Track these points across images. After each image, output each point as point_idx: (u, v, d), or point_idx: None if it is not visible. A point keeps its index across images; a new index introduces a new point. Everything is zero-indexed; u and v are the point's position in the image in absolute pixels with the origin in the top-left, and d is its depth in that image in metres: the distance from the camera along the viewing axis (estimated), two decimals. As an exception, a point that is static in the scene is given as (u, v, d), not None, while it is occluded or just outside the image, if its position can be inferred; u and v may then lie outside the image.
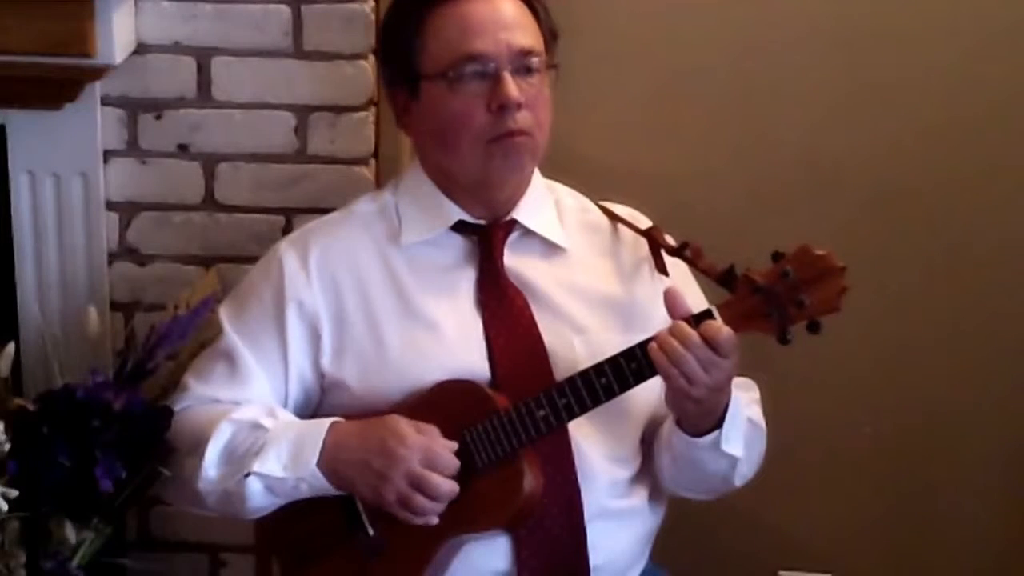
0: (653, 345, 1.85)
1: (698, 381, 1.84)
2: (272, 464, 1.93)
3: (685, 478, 2.04)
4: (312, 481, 1.93)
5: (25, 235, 2.41)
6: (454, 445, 1.92)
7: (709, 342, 1.83)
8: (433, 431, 1.92)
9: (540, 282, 2.04)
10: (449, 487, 1.90)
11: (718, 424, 1.93)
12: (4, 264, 2.42)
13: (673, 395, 1.90)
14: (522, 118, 1.95)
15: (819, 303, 1.81)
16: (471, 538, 1.96)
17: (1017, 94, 2.51)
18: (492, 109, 1.95)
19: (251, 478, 1.94)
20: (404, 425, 1.92)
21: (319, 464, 1.92)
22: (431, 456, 1.90)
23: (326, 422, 1.96)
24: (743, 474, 2.04)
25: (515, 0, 1.99)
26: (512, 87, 1.94)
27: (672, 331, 1.85)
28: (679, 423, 1.96)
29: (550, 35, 2.03)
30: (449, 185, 2.04)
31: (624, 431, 2.03)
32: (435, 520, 1.91)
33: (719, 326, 1.84)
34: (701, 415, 1.92)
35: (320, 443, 1.93)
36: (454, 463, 1.91)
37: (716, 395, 1.90)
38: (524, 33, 1.97)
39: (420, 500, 1.89)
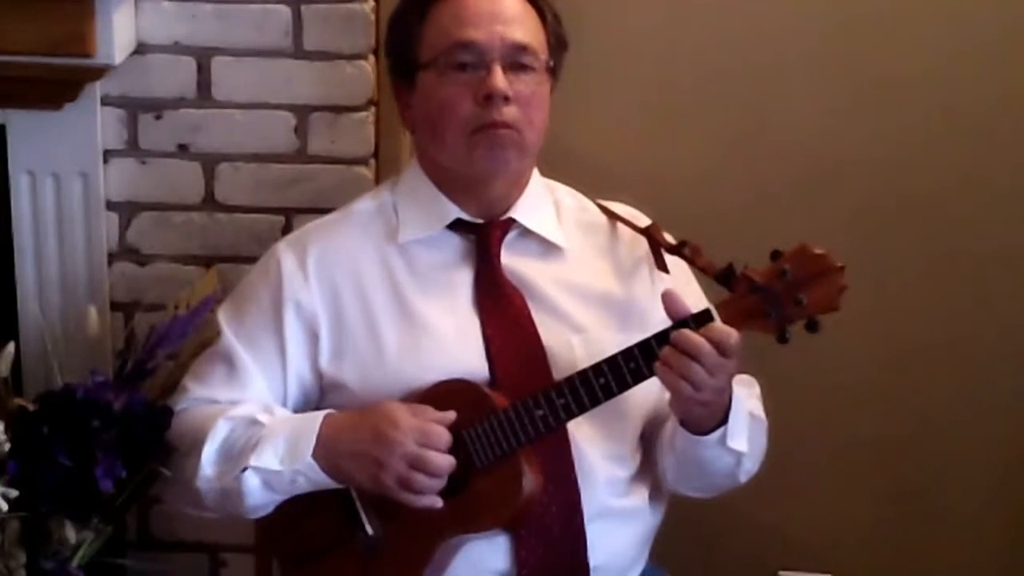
0: (658, 364, 1.85)
1: (703, 386, 1.84)
2: (268, 458, 1.94)
3: (690, 477, 2.04)
4: (309, 474, 1.93)
5: (25, 235, 2.40)
6: (451, 416, 1.92)
7: (718, 345, 1.82)
8: (427, 410, 1.93)
9: (538, 281, 2.04)
10: (448, 461, 1.90)
11: (722, 421, 1.93)
12: (4, 264, 2.42)
13: (678, 401, 1.90)
14: (508, 111, 1.95)
15: (818, 302, 1.82)
16: (471, 538, 1.96)
17: (1018, 95, 2.51)
18: (478, 99, 1.95)
19: (248, 473, 1.94)
20: (395, 408, 1.93)
21: (315, 455, 1.92)
22: (425, 434, 1.90)
23: (320, 414, 1.97)
24: (747, 469, 2.04)
25: (521, 1, 2.00)
26: (499, 79, 1.94)
27: (677, 342, 1.84)
28: (683, 423, 1.96)
29: (556, 42, 2.04)
30: (446, 183, 2.04)
31: (623, 430, 2.03)
32: (439, 502, 1.91)
33: (729, 331, 1.83)
34: (705, 415, 1.92)
35: (315, 434, 1.93)
36: (447, 436, 1.91)
37: (719, 395, 1.90)
38: (522, 30, 1.98)
39: (420, 479, 1.89)
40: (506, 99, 1.94)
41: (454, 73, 1.96)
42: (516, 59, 1.97)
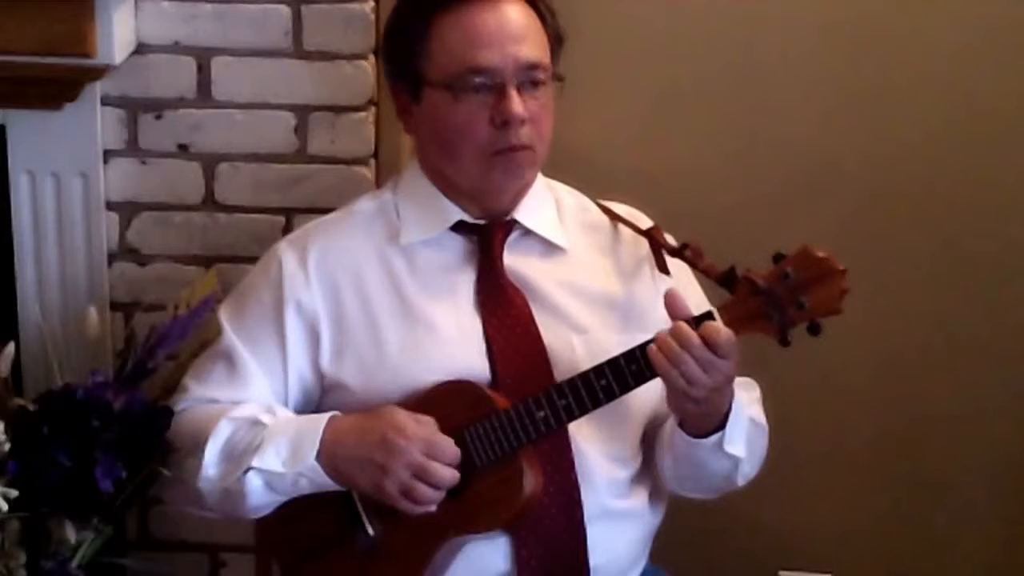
0: (652, 347, 1.85)
1: (698, 382, 1.84)
2: (271, 459, 1.93)
3: (687, 478, 2.04)
4: (312, 476, 1.93)
5: (25, 235, 2.40)
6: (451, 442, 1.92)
7: (708, 343, 1.83)
8: (431, 421, 1.92)
9: (540, 282, 2.04)
10: (450, 474, 1.90)
11: (720, 425, 1.93)
12: (4, 264, 2.42)
13: (673, 396, 1.90)
14: (525, 132, 1.95)
15: (819, 305, 1.82)
16: (471, 538, 1.96)
17: (1018, 95, 2.51)
18: (496, 123, 1.95)
19: (251, 474, 1.94)
20: (402, 416, 1.92)
21: (318, 458, 1.92)
22: (431, 445, 1.90)
23: (324, 416, 1.97)
24: (745, 473, 2.04)
25: (522, 7, 1.99)
26: (517, 103, 1.94)
27: (672, 332, 1.85)
28: (681, 424, 1.96)
29: (555, 40, 2.03)
30: (448, 186, 2.04)
31: (623, 431, 2.03)
32: (434, 508, 1.91)
33: (718, 327, 1.84)
34: (703, 416, 1.93)
35: (319, 437, 1.93)
36: (454, 451, 1.91)
37: (717, 396, 1.89)
38: (531, 46, 1.97)
39: (423, 489, 1.89)
40: (522, 122, 1.94)
41: (468, 95, 1.95)
42: (528, 77, 1.96)
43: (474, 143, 1.96)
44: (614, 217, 2.11)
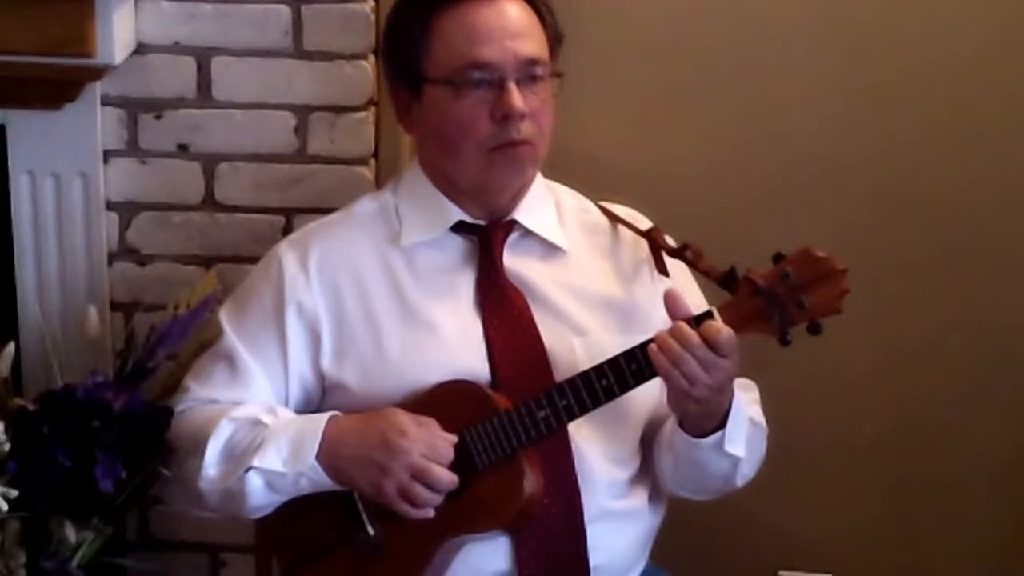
0: (653, 346, 1.85)
1: (698, 381, 1.84)
2: (272, 459, 1.94)
3: (687, 478, 2.05)
4: (312, 475, 1.93)
5: (25, 235, 2.40)
6: (453, 437, 1.93)
7: (709, 342, 1.83)
8: (431, 422, 1.93)
9: (540, 283, 2.04)
10: (449, 477, 1.91)
11: (720, 425, 1.93)
12: (4, 264, 2.42)
13: (674, 396, 1.90)
14: (525, 128, 1.96)
15: (820, 305, 1.82)
16: (471, 538, 1.96)
17: (1018, 95, 2.50)
18: (496, 118, 1.95)
19: (251, 474, 1.94)
20: (403, 417, 1.93)
21: (318, 457, 1.92)
22: (431, 447, 1.90)
23: (324, 416, 1.97)
24: (745, 474, 2.04)
25: (521, 5, 1.99)
26: (517, 98, 1.94)
27: (672, 332, 1.85)
28: (681, 424, 1.96)
29: (555, 38, 2.03)
30: (448, 186, 2.04)
31: (623, 432, 2.04)
32: (432, 513, 1.91)
33: (719, 326, 1.84)
34: (703, 416, 1.93)
35: (319, 437, 1.93)
36: (452, 453, 1.91)
37: (717, 395, 1.90)
38: (531, 42, 1.98)
39: (420, 491, 1.90)
40: (522, 116, 1.95)
41: (468, 91, 1.96)
42: (528, 73, 1.97)
43: (474, 139, 1.96)
44: (614, 218, 2.12)
